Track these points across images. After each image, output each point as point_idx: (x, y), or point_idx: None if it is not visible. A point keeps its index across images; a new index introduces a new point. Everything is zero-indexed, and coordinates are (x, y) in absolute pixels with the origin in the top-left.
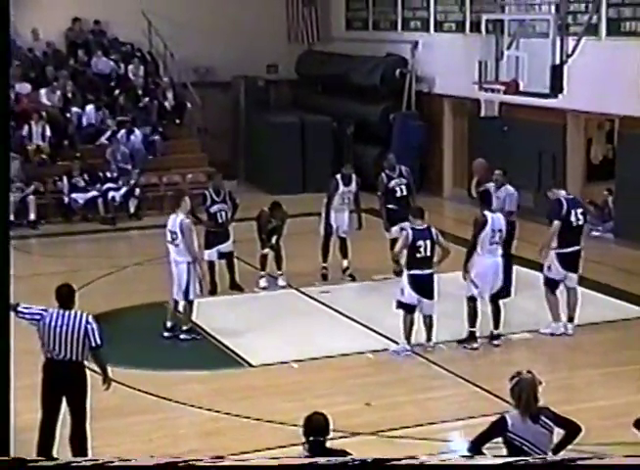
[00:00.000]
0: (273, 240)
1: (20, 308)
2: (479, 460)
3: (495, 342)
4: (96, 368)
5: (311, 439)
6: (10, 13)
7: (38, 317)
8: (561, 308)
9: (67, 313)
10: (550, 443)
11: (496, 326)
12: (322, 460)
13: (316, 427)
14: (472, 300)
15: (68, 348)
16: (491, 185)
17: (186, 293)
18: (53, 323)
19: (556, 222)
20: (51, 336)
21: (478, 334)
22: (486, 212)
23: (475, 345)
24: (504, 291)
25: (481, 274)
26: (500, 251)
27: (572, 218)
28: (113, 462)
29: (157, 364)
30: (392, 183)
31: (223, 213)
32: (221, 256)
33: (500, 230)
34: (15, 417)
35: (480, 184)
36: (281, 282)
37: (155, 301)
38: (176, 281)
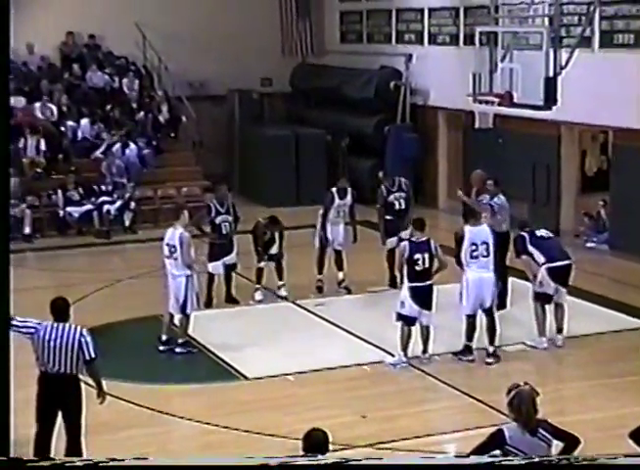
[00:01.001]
0: (272, 251)
1: (14, 322)
2: (477, 460)
3: (488, 359)
4: (91, 382)
5: (310, 455)
6: (10, 30)
7: (33, 330)
8: (548, 324)
9: (61, 327)
10: (548, 456)
11: (491, 341)
12: (322, 461)
13: (315, 443)
14: (470, 316)
15: (62, 361)
16: (486, 196)
17: (183, 307)
18: (47, 337)
19: (524, 257)
20: (45, 349)
21: (474, 347)
22: (466, 226)
23: (470, 357)
24: (499, 303)
25: (466, 290)
26: (489, 264)
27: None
28: (107, 462)
29: (152, 378)
30: (392, 197)
31: (227, 225)
32: (226, 268)
33: (485, 243)
34: (15, 431)
35: (479, 195)
36: (282, 293)
37: (150, 314)
38: (173, 295)
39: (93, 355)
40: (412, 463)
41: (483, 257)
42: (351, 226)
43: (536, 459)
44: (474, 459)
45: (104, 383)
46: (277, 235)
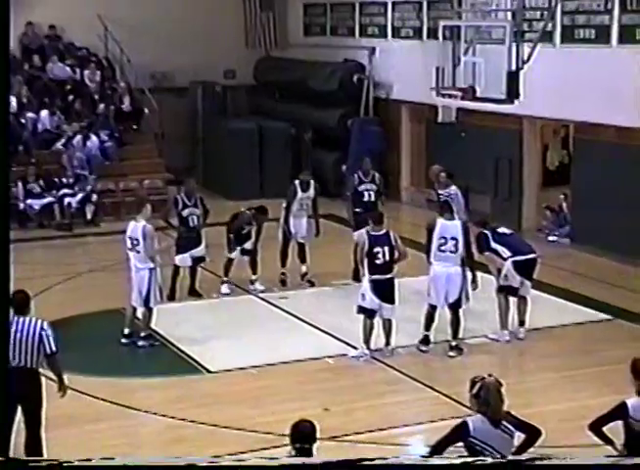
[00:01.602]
0: (247, 245)
1: None
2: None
3: (451, 353)
4: (52, 375)
5: (298, 446)
6: (9, 25)
7: None
8: (510, 317)
9: (21, 320)
10: (511, 447)
11: (454, 335)
12: (320, 461)
13: (303, 434)
14: (432, 306)
15: (22, 355)
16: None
17: (146, 300)
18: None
19: (487, 254)
20: None
21: (432, 338)
22: (439, 219)
23: (423, 348)
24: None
25: (433, 282)
26: (456, 260)
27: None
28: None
29: (114, 371)
30: (362, 187)
31: (195, 218)
32: (194, 261)
33: (454, 238)
34: None
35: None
36: (258, 286)
37: (112, 307)
38: (136, 288)
39: (54, 349)
40: (408, 463)
41: (451, 252)
42: (314, 219)
43: (509, 458)
44: (455, 460)
45: (65, 377)
46: (253, 229)
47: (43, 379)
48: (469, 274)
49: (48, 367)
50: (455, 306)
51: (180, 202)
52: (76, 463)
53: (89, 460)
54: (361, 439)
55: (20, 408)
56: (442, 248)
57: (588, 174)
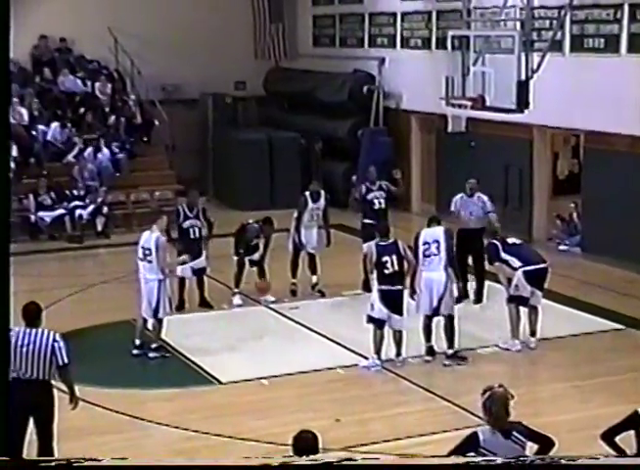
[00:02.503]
0: (254, 257)
1: None
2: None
3: (445, 362)
4: (63, 387)
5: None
6: (9, 34)
7: None
8: (521, 327)
9: (34, 332)
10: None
11: (449, 344)
12: (324, 460)
13: (305, 445)
14: (427, 316)
15: (34, 367)
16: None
17: (155, 311)
18: (20, 342)
19: (496, 264)
20: (17, 355)
21: (436, 348)
22: (423, 229)
23: (428, 358)
24: (475, 298)
25: (421, 291)
26: (440, 263)
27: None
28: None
29: (125, 383)
30: (370, 195)
31: (196, 230)
32: (195, 272)
33: (436, 241)
34: None
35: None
36: (269, 298)
37: (122, 319)
38: (146, 299)
39: (66, 361)
40: (406, 464)
41: (434, 255)
42: (325, 230)
43: (513, 459)
44: (455, 460)
45: (76, 388)
46: (261, 241)
47: (55, 391)
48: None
49: (59, 379)
50: (447, 314)
51: (182, 213)
52: (86, 463)
53: (99, 460)
54: (373, 449)
55: (32, 420)
56: (426, 253)
57: (599, 183)
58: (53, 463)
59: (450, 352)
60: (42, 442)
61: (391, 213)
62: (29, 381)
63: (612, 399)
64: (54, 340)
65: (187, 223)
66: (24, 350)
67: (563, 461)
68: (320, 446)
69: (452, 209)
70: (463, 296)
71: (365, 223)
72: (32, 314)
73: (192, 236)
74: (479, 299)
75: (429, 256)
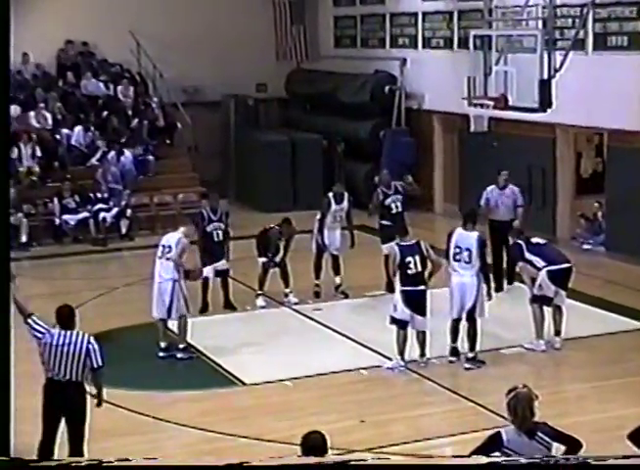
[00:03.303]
0: (277, 258)
1: (30, 320)
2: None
3: (466, 365)
4: (91, 390)
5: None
6: (10, 37)
7: (40, 335)
8: (545, 327)
9: (69, 334)
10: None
11: (471, 348)
12: (323, 460)
13: (314, 446)
14: (454, 320)
15: (69, 368)
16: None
17: (169, 310)
18: (55, 342)
19: (520, 264)
20: (52, 356)
21: (460, 349)
22: (458, 228)
23: (452, 359)
24: (496, 286)
25: (450, 294)
26: (469, 270)
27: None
28: (112, 462)
29: (150, 385)
30: (389, 200)
31: (220, 232)
32: (217, 274)
33: (468, 249)
34: (15, 438)
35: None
36: (292, 298)
37: (147, 321)
38: (159, 298)
39: (100, 363)
40: (413, 464)
41: (466, 262)
42: (349, 231)
43: (537, 459)
44: (473, 460)
45: (105, 390)
46: (282, 243)
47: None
48: (484, 286)
49: (91, 381)
50: (471, 317)
51: (206, 217)
52: (116, 463)
53: (128, 460)
54: (397, 450)
55: (64, 421)
56: (457, 257)
57: (622, 182)
58: (83, 463)
59: (471, 355)
60: (73, 443)
61: (414, 214)
62: (64, 382)
63: (637, 400)
64: (88, 342)
65: (211, 227)
66: (60, 350)
67: (590, 461)
68: (342, 446)
69: (483, 201)
70: (497, 288)
71: (382, 225)
72: (66, 317)
73: (215, 239)
74: (510, 279)
75: (459, 260)
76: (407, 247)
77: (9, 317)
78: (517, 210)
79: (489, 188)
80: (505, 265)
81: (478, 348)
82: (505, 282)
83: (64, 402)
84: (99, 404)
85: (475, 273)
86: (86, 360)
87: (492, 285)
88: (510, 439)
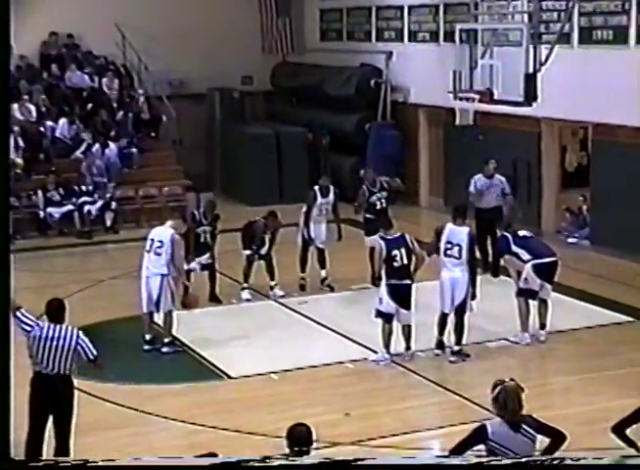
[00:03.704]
0: (262, 251)
1: (18, 313)
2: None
3: (451, 358)
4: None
5: (295, 449)
6: (10, 29)
7: (29, 328)
8: (531, 320)
9: (58, 327)
10: (532, 451)
11: (457, 342)
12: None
13: (299, 438)
14: (443, 313)
15: (57, 361)
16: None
17: (157, 304)
18: (44, 336)
19: (506, 257)
20: (40, 349)
21: (446, 342)
22: (449, 223)
23: (438, 352)
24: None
25: (440, 288)
26: (460, 265)
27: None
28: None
29: (136, 378)
30: (374, 198)
31: (208, 235)
32: (203, 267)
33: (458, 245)
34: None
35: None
36: (278, 292)
37: (132, 314)
38: (147, 292)
39: (96, 354)
40: (412, 463)
41: (456, 258)
42: (336, 224)
43: (523, 459)
44: (464, 460)
45: (88, 383)
46: (268, 236)
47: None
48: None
49: (95, 372)
50: (460, 311)
51: (197, 219)
52: (101, 463)
53: (113, 460)
54: (383, 443)
55: (51, 414)
56: (448, 252)
57: (607, 176)
58: (70, 463)
59: (456, 348)
60: (60, 437)
61: (399, 207)
62: (52, 376)
63: (622, 392)
64: (77, 336)
65: (200, 229)
66: (48, 344)
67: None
68: (328, 439)
69: (471, 189)
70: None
71: (367, 218)
72: (56, 310)
73: (202, 240)
74: (495, 272)
75: (450, 256)
76: (393, 240)
77: (8, 315)
78: (505, 198)
79: (477, 176)
80: (490, 258)
81: (463, 341)
82: (490, 274)
83: (51, 396)
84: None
85: (465, 268)
86: (74, 354)
87: (477, 283)
88: (495, 431)
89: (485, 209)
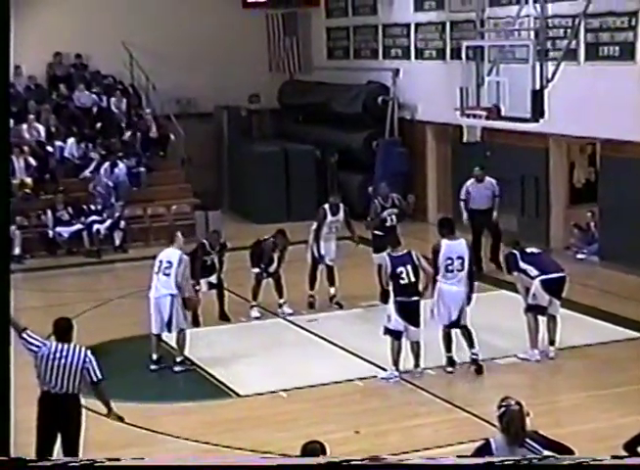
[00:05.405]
0: (271, 269)
1: (25, 335)
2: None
3: (474, 367)
4: (87, 404)
5: None
6: (10, 45)
7: (36, 349)
8: (540, 336)
9: (65, 347)
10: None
11: (470, 345)
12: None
13: (313, 455)
14: (446, 326)
15: (65, 381)
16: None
17: (168, 324)
18: (51, 356)
19: (515, 274)
20: (49, 369)
21: (456, 359)
22: (443, 240)
23: (449, 369)
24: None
25: (439, 301)
26: (462, 279)
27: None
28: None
29: (143, 396)
30: (385, 213)
31: (214, 262)
32: (211, 286)
33: (460, 257)
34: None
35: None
36: (287, 309)
37: (141, 333)
38: (158, 313)
39: (100, 376)
40: (412, 464)
41: (458, 271)
42: (351, 234)
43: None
44: (469, 461)
45: (98, 403)
46: (276, 255)
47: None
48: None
49: (95, 395)
50: (459, 324)
51: (206, 248)
52: (107, 463)
53: (118, 460)
54: (392, 461)
55: (59, 434)
56: (450, 268)
57: (615, 191)
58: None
59: (475, 350)
60: (67, 456)
61: (407, 224)
62: (59, 395)
63: (633, 409)
64: (85, 355)
65: (207, 258)
66: (56, 364)
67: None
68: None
69: (463, 193)
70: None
71: (375, 235)
72: (63, 330)
73: (208, 263)
74: (495, 257)
75: (452, 270)
76: (398, 257)
77: (8, 327)
78: (494, 199)
79: (468, 182)
80: (490, 255)
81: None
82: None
83: (59, 415)
84: (110, 417)
85: (464, 280)
86: (81, 374)
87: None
88: (499, 447)
89: (477, 210)
